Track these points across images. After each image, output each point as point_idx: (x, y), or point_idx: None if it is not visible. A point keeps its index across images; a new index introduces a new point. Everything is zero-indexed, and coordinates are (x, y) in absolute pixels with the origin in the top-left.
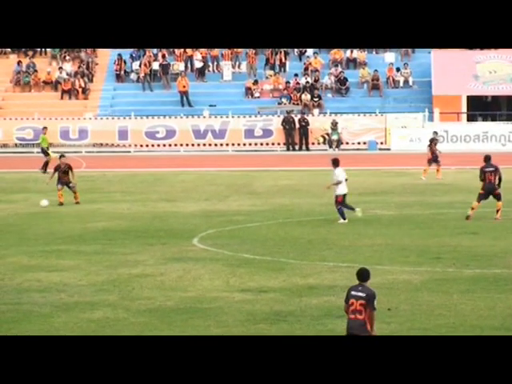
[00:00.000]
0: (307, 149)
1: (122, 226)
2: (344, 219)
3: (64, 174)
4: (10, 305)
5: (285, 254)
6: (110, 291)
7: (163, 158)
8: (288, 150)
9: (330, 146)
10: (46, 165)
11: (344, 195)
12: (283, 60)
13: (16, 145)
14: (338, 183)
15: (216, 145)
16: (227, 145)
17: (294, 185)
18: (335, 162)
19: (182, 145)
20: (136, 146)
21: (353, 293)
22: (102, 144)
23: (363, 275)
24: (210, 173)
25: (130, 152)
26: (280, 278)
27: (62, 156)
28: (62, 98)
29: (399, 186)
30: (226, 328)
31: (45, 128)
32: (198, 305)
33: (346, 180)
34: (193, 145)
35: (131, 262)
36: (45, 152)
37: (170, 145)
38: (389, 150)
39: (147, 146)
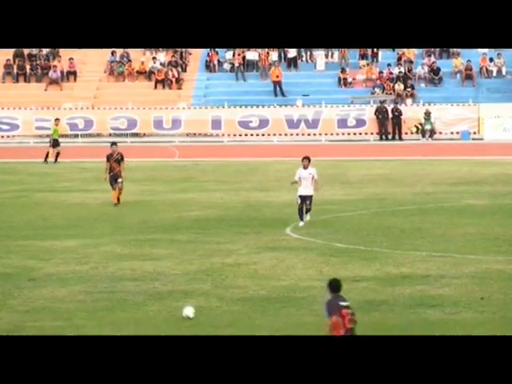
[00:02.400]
0: (400, 138)
1: (215, 215)
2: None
3: (116, 162)
4: (104, 293)
5: (378, 243)
6: (204, 280)
7: (256, 147)
8: (381, 139)
9: (423, 136)
10: (57, 155)
11: (300, 196)
12: (375, 50)
13: (110, 134)
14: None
15: (309, 134)
16: (320, 134)
17: (386, 174)
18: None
19: (275, 134)
20: (229, 135)
21: (342, 303)
22: (195, 133)
23: (338, 286)
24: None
25: (223, 142)
26: (373, 267)
27: (113, 144)
28: (155, 87)
29: (492, 175)
30: (319, 317)
31: (57, 120)
32: (291, 294)
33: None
34: (286, 134)
35: (224, 250)
36: (56, 143)
37: (263, 134)
38: (482, 139)
39: (240, 135)
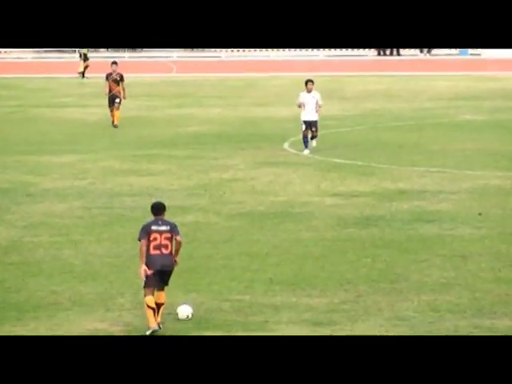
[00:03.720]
0: (398, 54)
1: (214, 131)
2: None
3: (115, 83)
4: (103, 208)
5: (375, 158)
6: (201, 195)
7: (254, 62)
8: (379, 54)
9: (421, 51)
10: (85, 69)
11: (304, 122)
12: None
13: (107, 49)
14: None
15: (307, 49)
16: (318, 49)
17: (384, 90)
18: None
19: (272, 49)
20: (227, 50)
21: (153, 228)
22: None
23: (159, 209)
24: (302, 78)
25: (220, 57)
26: (371, 183)
27: (113, 63)
28: None
29: (490, 91)
30: (317, 232)
31: None
32: (289, 209)
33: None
34: (283, 50)
35: (222, 166)
36: (85, 57)
37: (260, 49)
38: (479, 55)
39: (238, 50)
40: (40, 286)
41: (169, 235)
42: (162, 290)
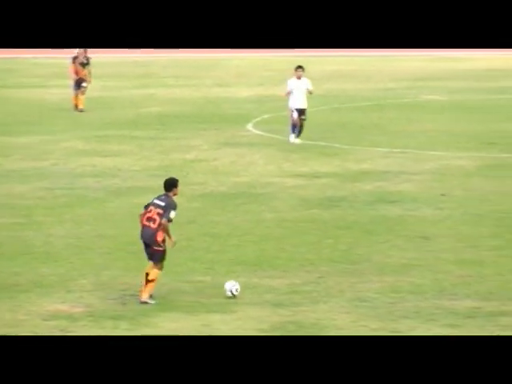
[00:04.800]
0: None
1: (176, 112)
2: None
3: (81, 66)
4: (65, 189)
5: (338, 139)
6: (163, 176)
7: None
8: None
9: None
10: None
11: (296, 109)
12: None
13: None
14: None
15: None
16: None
17: (346, 70)
18: None
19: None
20: None
21: (155, 201)
22: None
23: (165, 185)
24: (264, 58)
25: None
26: (333, 164)
27: None
28: None
29: (451, 71)
30: (279, 213)
31: None
32: (251, 190)
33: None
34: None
35: (185, 147)
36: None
37: None
38: None
39: None
40: (1, 267)
41: (161, 211)
42: (153, 266)
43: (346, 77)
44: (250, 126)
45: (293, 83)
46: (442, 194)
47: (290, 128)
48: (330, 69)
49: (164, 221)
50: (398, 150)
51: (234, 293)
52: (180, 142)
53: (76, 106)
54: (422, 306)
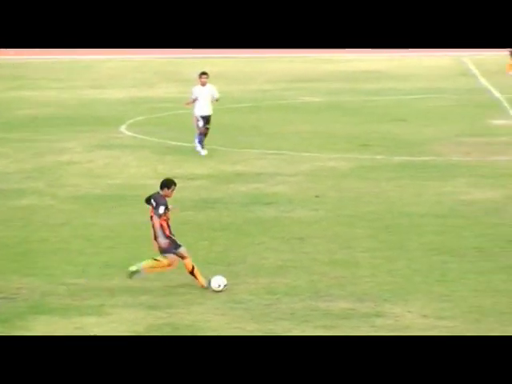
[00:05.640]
0: None
1: (49, 114)
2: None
3: None
4: None
5: (214, 141)
6: (38, 178)
7: None
8: None
9: None
10: None
11: (202, 117)
12: None
13: None
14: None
15: None
16: None
17: (222, 72)
18: None
19: None
20: None
21: (152, 200)
22: None
23: (160, 184)
24: (137, 59)
25: None
26: (208, 165)
27: None
28: None
29: (326, 73)
30: None
31: None
32: (126, 192)
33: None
34: None
35: (58, 149)
36: None
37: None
38: None
39: None
40: None
41: (152, 210)
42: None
43: (226, 78)
44: (123, 128)
45: (197, 90)
46: (317, 196)
47: (196, 137)
48: (209, 70)
49: (154, 220)
50: (274, 152)
51: (222, 288)
52: (54, 144)
53: None
54: (297, 308)
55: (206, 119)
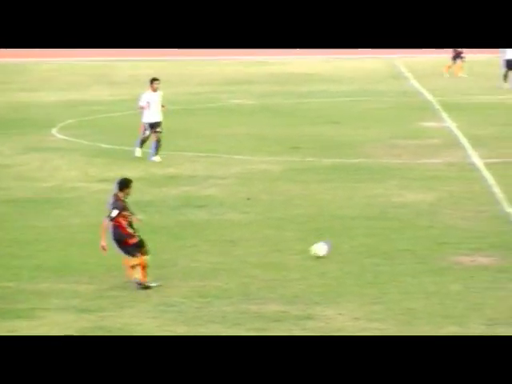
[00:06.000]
0: None
1: None
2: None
3: None
4: None
5: (145, 144)
6: None
7: None
8: None
9: None
10: None
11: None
12: None
13: None
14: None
15: None
16: None
17: (153, 74)
18: None
19: None
20: None
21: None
22: None
23: (118, 186)
24: (70, 62)
25: None
26: (139, 168)
27: None
28: None
29: (259, 75)
30: (85, 218)
31: None
32: (57, 195)
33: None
34: None
35: None
36: None
37: None
38: None
39: None
40: None
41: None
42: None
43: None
44: (54, 131)
45: (148, 96)
46: (248, 198)
47: (137, 142)
48: (137, 73)
49: (104, 219)
50: (205, 155)
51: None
52: None
53: None
54: (228, 311)
55: (155, 124)
